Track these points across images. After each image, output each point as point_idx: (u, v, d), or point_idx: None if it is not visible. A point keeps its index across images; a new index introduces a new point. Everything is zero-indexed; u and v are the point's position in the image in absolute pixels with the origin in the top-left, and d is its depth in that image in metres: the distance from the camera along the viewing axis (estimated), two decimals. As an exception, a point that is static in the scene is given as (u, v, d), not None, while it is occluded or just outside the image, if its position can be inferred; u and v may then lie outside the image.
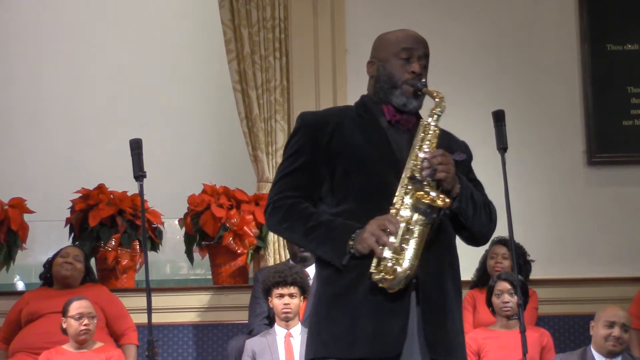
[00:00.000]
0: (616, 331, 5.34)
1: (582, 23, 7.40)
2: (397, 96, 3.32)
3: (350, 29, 7.29)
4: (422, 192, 3.09)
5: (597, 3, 7.41)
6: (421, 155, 3.18)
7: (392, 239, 3.07)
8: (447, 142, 3.34)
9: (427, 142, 3.21)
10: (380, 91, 3.36)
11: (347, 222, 3.20)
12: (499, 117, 4.74)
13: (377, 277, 3.09)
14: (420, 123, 3.27)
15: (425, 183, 3.12)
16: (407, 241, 3.09)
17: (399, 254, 3.08)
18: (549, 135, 7.32)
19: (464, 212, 3.24)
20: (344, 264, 3.16)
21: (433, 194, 3.09)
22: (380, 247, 3.08)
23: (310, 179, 3.31)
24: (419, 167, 3.15)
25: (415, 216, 3.09)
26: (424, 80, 3.31)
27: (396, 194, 3.16)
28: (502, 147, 4.71)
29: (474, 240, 3.42)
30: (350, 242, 3.14)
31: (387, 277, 3.08)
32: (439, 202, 3.07)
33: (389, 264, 3.08)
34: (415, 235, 3.09)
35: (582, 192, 7.30)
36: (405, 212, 3.11)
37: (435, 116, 3.25)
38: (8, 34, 8.99)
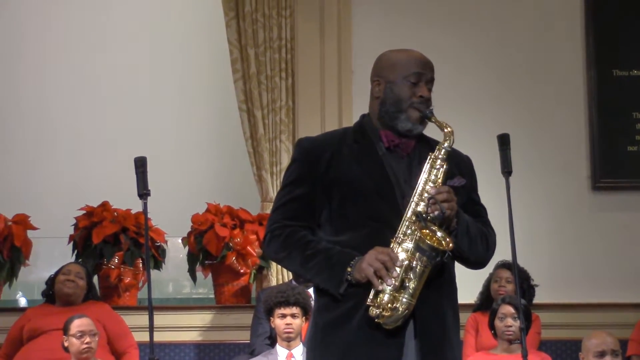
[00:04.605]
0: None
1: (589, 48, 7.41)
2: (402, 121, 3.28)
3: (357, 50, 7.30)
4: (427, 231, 3.07)
5: (604, 28, 7.43)
6: (427, 189, 3.16)
7: (393, 274, 3.05)
8: (451, 162, 3.30)
9: (433, 178, 3.19)
10: (385, 115, 3.32)
11: (345, 250, 3.18)
12: (504, 141, 4.73)
13: (374, 312, 3.07)
14: (429, 157, 3.24)
15: (429, 220, 3.09)
16: (408, 279, 3.07)
17: (398, 292, 3.06)
18: (553, 160, 7.32)
19: (459, 247, 3.22)
20: (341, 292, 3.15)
21: (439, 234, 3.08)
22: (378, 279, 3.06)
23: (308, 208, 3.30)
24: (424, 203, 3.14)
25: (418, 254, 3.07)
26: (432, 107, 3.28)
27: (399, 228, 3.14)
28: (507, 170, 4.70)
29: (469, 266, 3.41)
30: (348, 269, 3.13)
31: (384, 313, 3.06)
32: (444, 245, 3.06)
33: (386, 299, 3.06)
34: (417, 274, 3.07)
35: (586, 217, 7.30)
36: (408, 249, 3.09)
37: (444, 150, 3.23)
38: (13, 52, 9.00)
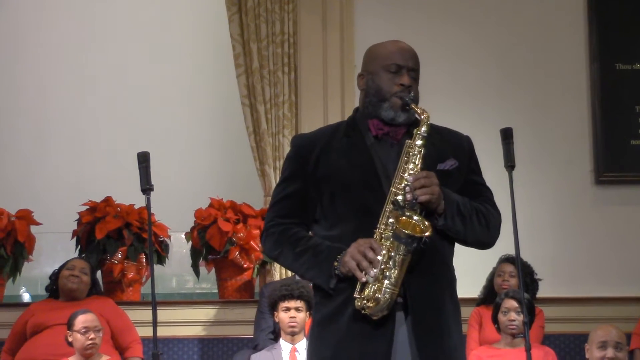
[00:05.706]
0: (610, 352, 5.23)
1: (591, 42, 7.40)
2: (385, 109, 3.29)
3: (359, 44, 7.28)
4: (403, 218, 3.08)
5: (607, 22, 7.42)
6: (405, 176, 3.16)
7: (373, 265, 3.07)
8: (442, 147, 3.32)
9: (412, 165, 3.18)
10: (369, 105, 3.34)
11: (333, 245, 3.21)
12: (507, 135, 4.73)
13: (359, 304, 3.10)
14: (405, 144, 3.23)
15: (406, 208, 3.10)
16: (388, 269, 3.07)
17: (380, 282, 3.07)
18: (556, 154, 7.31)
19: (451, 228, 3.22)
20: (331, 287, 3.19)
21: (416, 218, 3.08)
22: (362, 271, 3.08)
23: (301, 205, 3.33)
24: (401, 191, 3.14)
25: (396, 243, 3.07)
26: (412, 94, 3.27)
27: (380, 218, 3.15)
28: (510, 165, 4.70)
29: (475, 247, 3.40)
30: (335, 264, 3.16)
31: (369, 304, 3.08)
32: (418, 232, 3.06)
33: (371, 291, 3.08)
34: (397, 263, 3.08)
35: (589, 210, 7.29)
36: (388, 239, 3.10)
37: (420, 136, 3.21)
38: (15, 50, 9.01)
